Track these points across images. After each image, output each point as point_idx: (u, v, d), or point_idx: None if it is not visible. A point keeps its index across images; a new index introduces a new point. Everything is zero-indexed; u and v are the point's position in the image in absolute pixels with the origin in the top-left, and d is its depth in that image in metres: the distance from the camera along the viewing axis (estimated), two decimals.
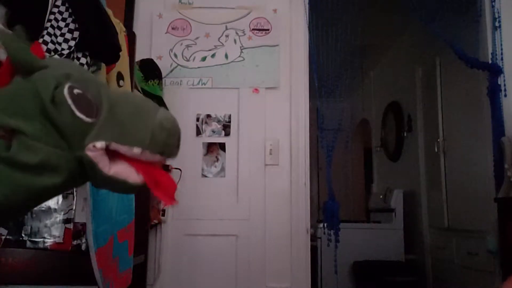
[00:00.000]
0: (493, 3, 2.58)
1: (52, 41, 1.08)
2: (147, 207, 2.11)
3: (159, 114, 0.63)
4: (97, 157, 0.59)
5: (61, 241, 1.31)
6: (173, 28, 2.56)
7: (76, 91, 0.59)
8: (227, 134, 2.48)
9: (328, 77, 2.74)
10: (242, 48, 2.54)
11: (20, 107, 0.57)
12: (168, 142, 0.62)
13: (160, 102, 2.36)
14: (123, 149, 0.60)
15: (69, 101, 0.58)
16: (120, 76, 1.56)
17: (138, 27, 2.48)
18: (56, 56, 1.08)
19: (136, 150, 0.60)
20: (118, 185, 0.61)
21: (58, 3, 1.13)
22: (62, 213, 1.32)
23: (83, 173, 0.61)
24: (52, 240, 1.31)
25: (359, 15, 2.76)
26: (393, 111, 4.52)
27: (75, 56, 1.15)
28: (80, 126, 0.58)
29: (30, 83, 0.59)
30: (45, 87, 0.58)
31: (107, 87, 0.66)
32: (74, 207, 1.32)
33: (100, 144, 0.58)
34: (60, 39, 1.11)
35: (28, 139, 0.56)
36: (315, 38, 2.62)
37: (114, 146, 0.60)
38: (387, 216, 3.93)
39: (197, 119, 2.49)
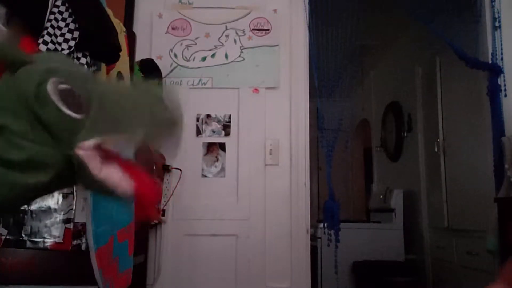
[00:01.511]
0: (493, 3, 2.58)
1: (52, 41, 1.08)
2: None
3: (152, 94, 0.61)
4: (89, 157, 0.56)
5: (61, 241, 1.31)
6: (173, 28, 2.56)
7: (61, 86, 0.57)
8: (227, 134, 2.48)
9: (328, 77, 2.74)
10: (242, 48, 2.54)
11: (6, 104, 0.55)
12: (170, 117, 0.60)
13: None
14: (119, 140, 0.58)
15: (54, 98, 0.56)
16: (120, 76, 1.56)
17: (138, 27, 2.48)
18: None
19: (138, 136, 0.58)
20: (107, 190, 0.59)
21: (58, 3, 1.13)
22: (62, 213, 1.32)
23: (72, 172, 0.58)
24: (52, 240, 1.31)
25: (359, 15, 2.76)
26: (393, 111, 4.52)
27: (75, 56, 1.15)
28: (69, 123, 0.56)
29: (15, 80, 0.57)
30: (28, 84, 0.56)
31: (94, 79, 0.64)
32: (74, 207, 1.32)
33: (90, 142, 0.56)
34: (60, 39, 1.11)
35: (13, 136, 0.54)
36: (315, 38, 2.62)
37: (108, 141, 0.57)
38: (387, 216, 3.93)
39: (197, 119, 2.49)
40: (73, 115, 0.57)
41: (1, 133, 0.55)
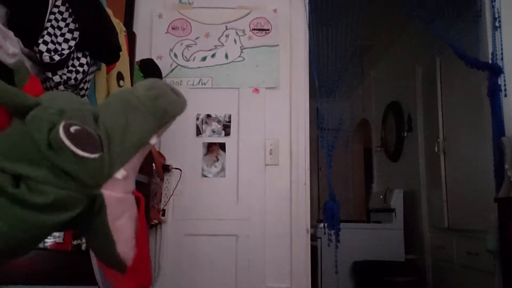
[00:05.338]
0: (493, 3, 2.57)
1: (52, 41, 1.08)
2: (147, 207, 2.11)
3: (141, 91, 0.62)
4: (111, 202, 0.56)
5: (61, 241, 1.31)
6: (173, 28, 2.56)
7: (73, 128, 0.56)
8: (227, 134, 2.48)
9: (328, 77, 2.74)
10: (242, 48, 2.54)
11: (22, 153, 0.54)
12: (166, 100, 0.62)
13: None
14: (138, 155, 0.59)
15: (67, 143, 0.54)
16: (120, 76, 1.56)
17: (138, 27, 2.48)
18: (56, 56, 1.08)
19: (153, 141, 0.60)
20: (106, 245, 0.59)
21: (58, 3, 1.13)
22: None
23: (89, 213, 0.58)
24: (52, 240, 1.31)
25: (359, 15, 2.76)
26: (393, 111, 4.52)
27: (75, 56, 1.15)
28: (88, 164, 0.55)
29: (26, 127, 0.56)
30: (39, 133, 0.55)
31: (95, 108, 0.63)
32: None
33: (121, 173, 0.57)
34: (60, 39, 1.10)
35: (35, 183, 0.54)
36: (315, 38, 2.62)
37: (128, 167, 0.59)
38: (387, 216, 3.93)
39: (197, 119, 2.49)
40: (91, 156, 0.55)
41: (24, 181, 0.54)
